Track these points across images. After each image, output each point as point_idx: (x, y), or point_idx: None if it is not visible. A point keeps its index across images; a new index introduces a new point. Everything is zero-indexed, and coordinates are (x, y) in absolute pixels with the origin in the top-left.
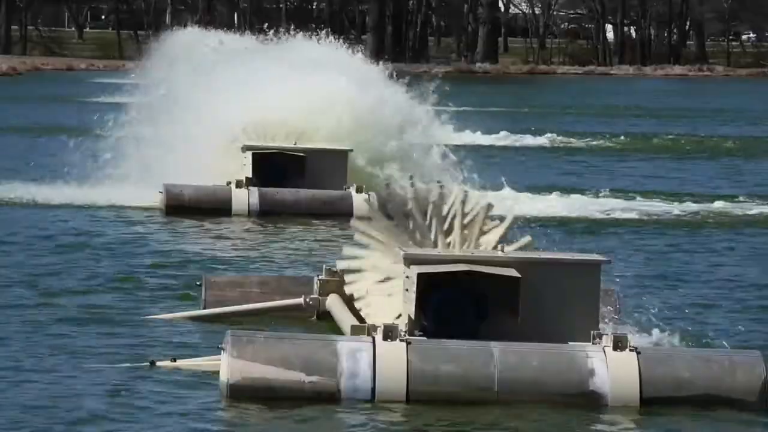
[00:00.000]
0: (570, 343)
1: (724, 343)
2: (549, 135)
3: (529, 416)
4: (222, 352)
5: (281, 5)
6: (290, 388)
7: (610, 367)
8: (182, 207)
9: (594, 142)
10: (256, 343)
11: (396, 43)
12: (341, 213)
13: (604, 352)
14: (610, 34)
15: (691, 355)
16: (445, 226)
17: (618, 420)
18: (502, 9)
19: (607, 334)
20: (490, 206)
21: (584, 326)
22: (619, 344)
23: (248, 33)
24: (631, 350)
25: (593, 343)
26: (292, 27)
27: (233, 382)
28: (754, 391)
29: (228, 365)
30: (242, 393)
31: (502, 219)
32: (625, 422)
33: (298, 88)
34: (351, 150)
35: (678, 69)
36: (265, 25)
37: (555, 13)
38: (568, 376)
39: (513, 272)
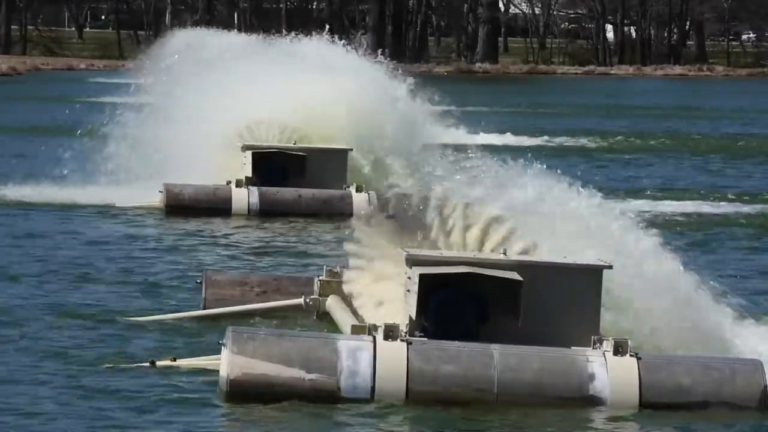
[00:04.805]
0: (571, 347)
1: None
2: (548, 135)
3: (528, 419)
4: (223, 348)
5: (281, 5)
6: (290, 385)
7: (610, 371)
8: (182, 207)
9: (593, 142)
10: (257, 339)
11: (396, 43)
12: (341, 213)
13: (605, 356)
14: (610, 34)
15: (692, 361)
16: (447, 227)
17: (617, 424)
18: (502, 9)
19: (607, 339)
20: (492, 211)
21: (585, 330)
22: (620, 349)
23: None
24: (631, 355)
25: (594, 348)
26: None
27: (233, 378)
28: (753, 398)
29: (228, 361)
30: (242, 389)
31: (503, 222)
32: (624, 427)
33: (298, 88)
34: (351, 150)
35: (678, 69)
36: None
37: (555, 13)
38: (567, 380)
39: (515, 275)
